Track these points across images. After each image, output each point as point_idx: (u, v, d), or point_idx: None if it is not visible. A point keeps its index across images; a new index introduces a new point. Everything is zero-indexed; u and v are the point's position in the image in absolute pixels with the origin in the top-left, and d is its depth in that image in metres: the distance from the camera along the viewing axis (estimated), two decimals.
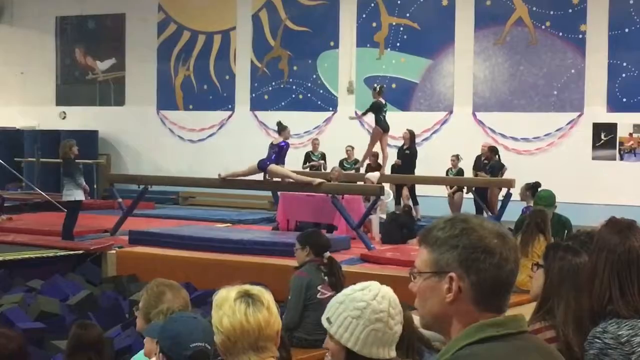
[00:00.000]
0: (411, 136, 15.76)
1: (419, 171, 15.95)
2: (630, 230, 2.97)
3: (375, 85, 15.06)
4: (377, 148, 14.99)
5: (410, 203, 15.37)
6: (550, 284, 3.40)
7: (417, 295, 1.91)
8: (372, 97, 14.62)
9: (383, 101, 14.49)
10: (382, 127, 14.36)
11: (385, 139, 14.69)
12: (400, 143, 16.24)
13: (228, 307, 2.47)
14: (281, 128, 12.45)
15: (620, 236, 2.93)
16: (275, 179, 12.82)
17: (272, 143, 12.58)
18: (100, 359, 4.96)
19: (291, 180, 12.29)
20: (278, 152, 12.30)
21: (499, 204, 14.75)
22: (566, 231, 8.51)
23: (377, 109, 14.37)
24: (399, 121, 17.07)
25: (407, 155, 15.67)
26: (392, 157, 15.86)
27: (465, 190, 15.89)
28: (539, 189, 9.88)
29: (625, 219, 3.11)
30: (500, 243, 1.85)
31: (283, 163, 12.49)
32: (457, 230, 1.85)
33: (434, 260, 1.86)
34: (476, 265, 1.82)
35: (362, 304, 2.47)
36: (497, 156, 15.80)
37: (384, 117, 14.40)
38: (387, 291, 2.54)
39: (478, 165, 15.97)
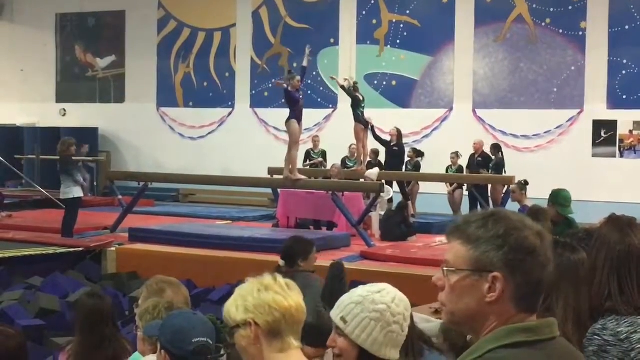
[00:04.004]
0: (399, 133, 15.82)
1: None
2: (631, 227, 2.97)
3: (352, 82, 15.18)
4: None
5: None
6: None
7: (449, 291, 1.87)
8: (349, 89, 14.80)
9: (361, 97, 14.68)
10: (362, 123, 14.56)
11: (366, 134, 14.86)
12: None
13: (278, 288, 2.47)
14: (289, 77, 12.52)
15: (621, 233, 2.93)
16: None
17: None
18: (117, 331, 4.77)
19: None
20: (288, 100, 12.38)
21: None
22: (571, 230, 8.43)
23: (355, 104, 14.52)
24: (399, 118, 17.10)
25: (395, 152, 15.73)
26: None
27: (465, 187, 15.91)
28: (559, 189, 9.55)
29: (626, 216, 3.10)
30: (541, 243, 1.84)
31: (298, 112, 12.45)
32: (501, 229, 1.82)
33: (474, 258, 1.83)
34: (523, 266, 1.80)
35: (382, 306, 2.51)
36: (500, 153, 15.85)
37: (362, 112, 14.57)
38: (402, 294, 2.60)
39: (472, 164, 15.99)
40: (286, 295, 2.46)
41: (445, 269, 1.88)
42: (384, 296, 2.53)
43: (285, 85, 12.54)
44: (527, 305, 1.84)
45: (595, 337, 2.76)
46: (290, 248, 6.69)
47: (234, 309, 2.48)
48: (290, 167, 12.51)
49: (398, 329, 2.52)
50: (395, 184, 15.72)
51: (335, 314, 2.56)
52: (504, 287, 1.81)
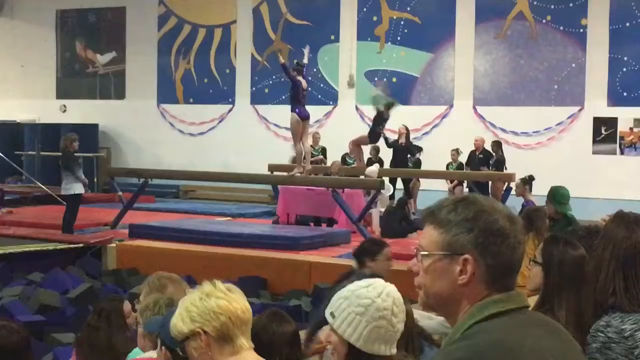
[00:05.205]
0: (407, 131, 15.88)
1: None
2: (637, 224, 2.96)
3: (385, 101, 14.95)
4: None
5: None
6: (550, 278, 3.40)
7: (423, 275, 1.90)
8: (378, 109, 14.62)
9: (387, 117, 14.48)
10: (371, 139, 14.51)
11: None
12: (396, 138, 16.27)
13: (220, 293, 2.51)
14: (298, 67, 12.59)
15: (627, 230, 2.92)
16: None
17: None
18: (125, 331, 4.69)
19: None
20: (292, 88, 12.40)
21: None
22: (571, 227, 8.42)
23: (380, 121, 14.42)
24: (399, 115, 17.07)
25: (403, 149, 15.77)
26: (385, 152, 16.08)
27: (465, 184, 15.93)
28: (557, 186, 9.54)
29: (633, 213, 3.10)
30: (511, 226, 1.87)
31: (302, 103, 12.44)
32: (471, 212, 1.86)
33: (446, 241, 1.86)
34: (492, 249, 1.83)
35: (366, 300, 2.49)
36: (500, 150, 15.86)
37: (380, 129, 14.43)
38: (392, 289, 2.57)
39: (473, 161, 15.99)
40: (229, 298, 2.49)
41: (418, 253, 1.92)
42: (370, 291, 2.51)
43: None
44: (499, 287, 1.86)
45: (599, 333, 2.75)
46: (358, 247, 6.62)
47: (180, 322, 2.51)
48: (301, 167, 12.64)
49: (385, 324, 2.48)
50: (400, 180, 15.80)
51: (326, 309, 2.56)
52: (475, 269, 1.84)
